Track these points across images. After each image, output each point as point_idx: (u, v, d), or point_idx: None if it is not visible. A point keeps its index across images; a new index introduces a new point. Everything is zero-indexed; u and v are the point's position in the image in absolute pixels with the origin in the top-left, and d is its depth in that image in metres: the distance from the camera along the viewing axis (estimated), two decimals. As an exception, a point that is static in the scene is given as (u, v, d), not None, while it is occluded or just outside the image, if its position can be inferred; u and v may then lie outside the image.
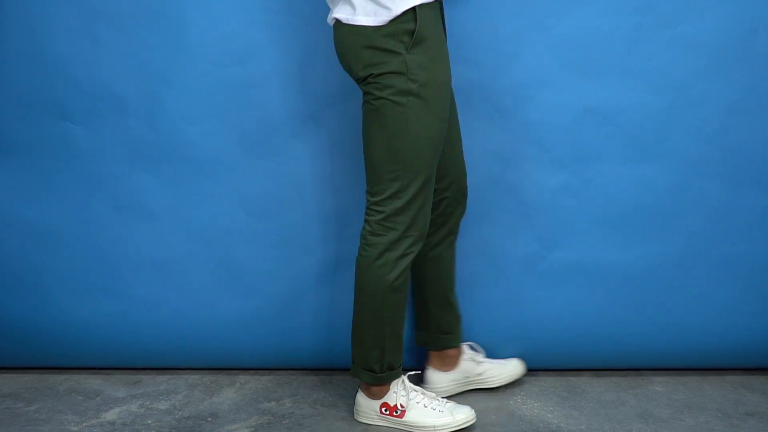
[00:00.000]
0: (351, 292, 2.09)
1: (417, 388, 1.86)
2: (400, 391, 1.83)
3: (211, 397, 2.02)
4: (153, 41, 2.05)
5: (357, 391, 1.89)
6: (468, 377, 1.99)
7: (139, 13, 2.04)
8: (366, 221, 1.77)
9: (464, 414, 1.81)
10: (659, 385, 2.07)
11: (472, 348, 2.04)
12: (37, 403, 2.00)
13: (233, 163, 2.08)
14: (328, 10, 2.03)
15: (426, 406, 1.82)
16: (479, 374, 1.99)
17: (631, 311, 2.07)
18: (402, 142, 1.69)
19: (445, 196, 1.88)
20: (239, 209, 2.10)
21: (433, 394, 1.87)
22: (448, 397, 1.94)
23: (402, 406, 1.82)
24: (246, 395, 2.03)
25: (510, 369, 2.03)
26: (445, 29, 1.79)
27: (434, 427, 1.79)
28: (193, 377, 2.16)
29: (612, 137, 2.03)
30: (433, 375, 1.99)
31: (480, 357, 2.02)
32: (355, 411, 1.88)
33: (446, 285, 1.96)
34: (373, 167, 1.73)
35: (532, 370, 2.15)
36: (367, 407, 1.85)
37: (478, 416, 1.85)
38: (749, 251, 2.05)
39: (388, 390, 1.83)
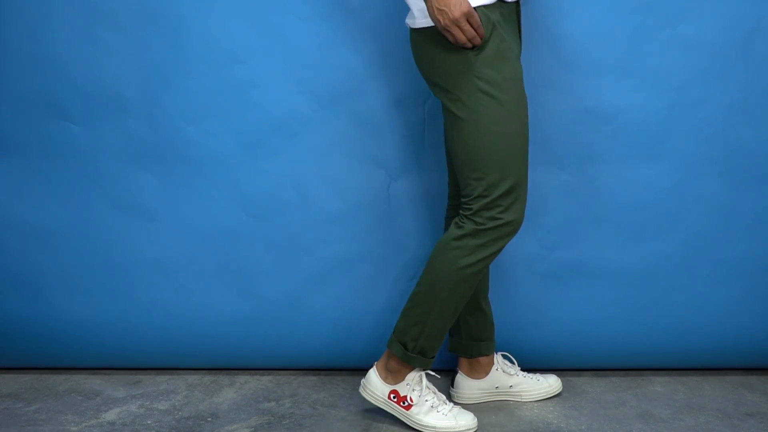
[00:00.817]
0: (351, 292, 2.10)
1: (431, 386, 1.85)
2: (414, 385, 1.82)
3: (211, 397, 2.02)
4: (153, 41, 2.05)
5: (363, 379, 1.88)
6: (498, 387, 1.97)
7: (139, 13, 2.04)
8: (459, 214, 1.74)
9: (466, 420, 1.80)
10: (659, 385, 2.07)
11: (505, 358, 2.02)
12: (37, 403, 1.99)
13: (233, 163, 2.08)
14: (327, 10, 2.04)
15: (432, 407, 1.82)
16: (511, 386, 1.96)
17: (631, 311, 2.07)
18: (480, 141, 1.65)
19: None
20: (239, 209, 2.10)
21: (444, 397, 1.86)
22: (476, 405, 1.95)
23: (411, 399, 1.81)
24: (246, 395, 2.03)
25: (545, 386, 1.98)
26: (519, 30, 1.76)
27: (435, 428, 1.79)
28: (193, 377, 2.16)
29: (612, 137, 2.03)
30: (462, 380, 1.98)
31: (513, 369, 1.98)
32: (362, 385, 1.85)
33: (478, 291, 1.93)
34: (460, 169, 1.71)
35: (532, 370, 2.15)
36: (376, 388, 1.83)
37: (478, 416, 1.85)
38: (749, 251, 2.05)
39: (403, 379, 1.82)
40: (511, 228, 1.70)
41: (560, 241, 2.06)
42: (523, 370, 2.10)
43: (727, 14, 1.98)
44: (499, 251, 1.72)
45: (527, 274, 2.08)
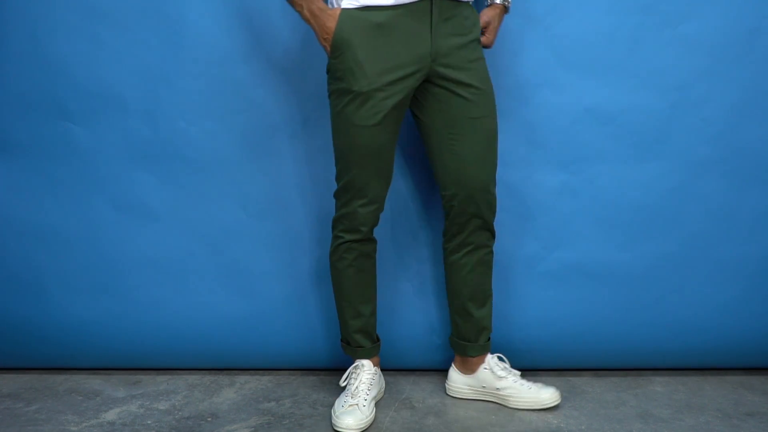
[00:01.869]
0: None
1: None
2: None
3: (211, 397, 2.02)
4: (153, 41, 2.05)
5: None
6: (485, 387, 1.96)
7: (139, 13, 2.04)
8: None
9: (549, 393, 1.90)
10: (659, 385, 2.07)
11: (501, 360, 2.00)
12: (37, 403, 2.00)
13: (233, 163, 2.08)
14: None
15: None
16: (497, 389, 1.94)
17: (631, 311, 2.07)
18: (335, 138, 1.81)
19: (452, 204, 1.86)
20: (239, 209, 2.10)
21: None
22: (477, 404, 1.96)
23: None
24: (246, 395, 2.03)
25: (533, 396, 1.90)
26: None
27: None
28: (193, 377, 2.16)
29: (612, 137, 2.03)
30: (453, 374, 2.00)
31: (504, 372, 1.94)
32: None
33: (464, 294, 1.93)
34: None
35: (532, 370, 2.15)
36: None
37: (478, 416, 1.85)
38: (750, 251, 2.05)
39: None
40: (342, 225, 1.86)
41: (560, 241, 2.06)
42: (525, 371, 2.10)
43: (728, 14, 1.98)
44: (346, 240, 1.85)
45: (527, 274, 2.08)
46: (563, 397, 1.98)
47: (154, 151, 2.09)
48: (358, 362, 1.93)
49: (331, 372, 2.17)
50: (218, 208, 2.10)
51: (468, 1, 1.79)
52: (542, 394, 1.89)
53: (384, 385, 2.01)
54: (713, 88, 2.01)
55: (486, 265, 1.92)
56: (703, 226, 2.05)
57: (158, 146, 2.09)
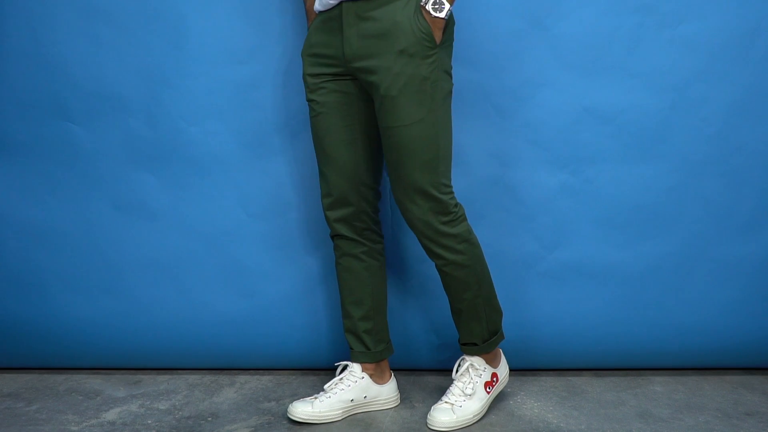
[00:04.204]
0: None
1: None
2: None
3: (211, 397, 2.02)
4: (153, 41, 2.05)
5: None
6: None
7: (139, 13, 2.04)
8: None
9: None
10: (659, 385, 2.07)
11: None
12: (37, 403, 2.00)
13: (233, 163, 2.08)
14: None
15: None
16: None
17: (631, 311, 2.07)
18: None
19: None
20: (239, 209, 2.10)
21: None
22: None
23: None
24: (246, 395, 2.03)
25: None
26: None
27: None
28: (193, 377, 2.16)
29: (612, 137, 2.03)
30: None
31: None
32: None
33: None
34: None
35: (532, 370, 2.15)
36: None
37: (479, 416, 1.85)
38: (749, 251, 2.05)
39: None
40: None
41: (560, 241, 2.06)
42: (524, 371, 2.11)
43: (728, 14, 1.98)
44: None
45: (527, 274, 2.08)
46: (563, 397, 1.98)
47: (154, 151, 2.09)
48: (348, 362, 1.94)
49: (331, 372, 2.17)
50: (218, 208, 2.10)
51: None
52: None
53: (382, 395, 1.93)
54: (712, 88, 2.01)
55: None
56: (703, 225, 2.05)
57: (158, 146, 2.09)
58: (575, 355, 2.11)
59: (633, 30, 1.99)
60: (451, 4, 1.67)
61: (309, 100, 1.84)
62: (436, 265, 1.82)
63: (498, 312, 1.89)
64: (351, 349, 1.93)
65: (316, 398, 1.85)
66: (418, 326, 2.09)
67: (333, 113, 1.82)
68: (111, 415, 1.91)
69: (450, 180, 1.78)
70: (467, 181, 2.04)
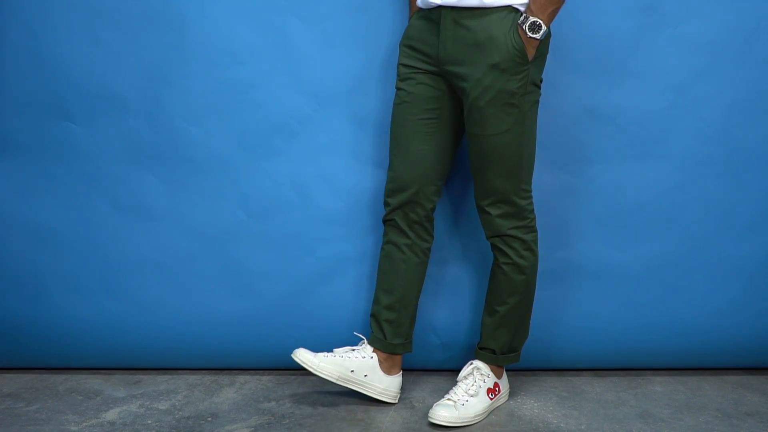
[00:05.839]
0: (350, 292, 2.09)
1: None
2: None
3: (211, 397, 2.02)
4: (153, 41, 2.05)
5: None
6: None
7: (139, 14, 2.04)
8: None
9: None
10: (659, 385, 2.07)
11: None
12: (37, 403, 1.99)
13: (233, 163, 2.08)
14: (327, 10, 2.04)
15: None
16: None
17: (631, 311, 2.07)
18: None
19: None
20: (239, 209, 2.10)
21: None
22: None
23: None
24: (246, 395, 2.03)
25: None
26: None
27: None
28: (193, 377, 2.16)
29: (612, 137, 2.03)
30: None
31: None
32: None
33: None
34: None
35: (532, 370, 2.15)
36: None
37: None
38: (749, 251, 2.05)
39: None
40: None
41: (560, 241, 2.06)
42: (524, 371, 2.10)
43: (728, 14, 1.98)
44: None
45: (527, 274, 2.08)
46: (563, 397, 1.99)
47: (154, 151, 2.09)
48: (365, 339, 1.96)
49: (331, 372, 2.17)
50: (218, 208, 2.10)
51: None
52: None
53: (382, 384, 1.93)
54: (712, 88, 2.01)
55: None
56: (703, 225, 2.05)
57: (158, 146, 2.09)
58: (575, 355, 2.11)
59: (634, 30, 1.99)
60: (547, 27, 1.71)
61: (398, 88, 1.88)
62: (497, 262, 1.89)
63: (526, 332, 1.95)
64: (371, 331, 1.95)
65: (319, 354, 1.87)
66: (418, 326, 2.09)
67: (416, 104, 1.85)
68: (111, 415, 1.91)
69: (530, 185, 1.86)
70: (467, 181, 2.04)
